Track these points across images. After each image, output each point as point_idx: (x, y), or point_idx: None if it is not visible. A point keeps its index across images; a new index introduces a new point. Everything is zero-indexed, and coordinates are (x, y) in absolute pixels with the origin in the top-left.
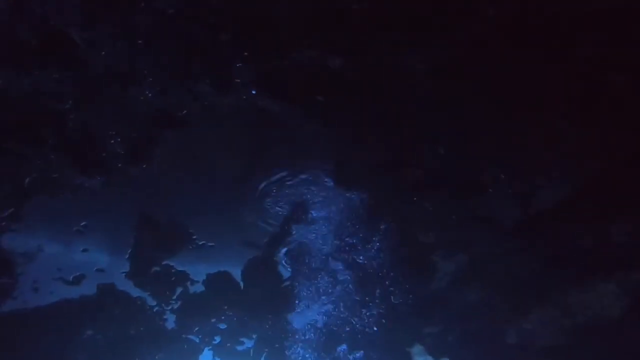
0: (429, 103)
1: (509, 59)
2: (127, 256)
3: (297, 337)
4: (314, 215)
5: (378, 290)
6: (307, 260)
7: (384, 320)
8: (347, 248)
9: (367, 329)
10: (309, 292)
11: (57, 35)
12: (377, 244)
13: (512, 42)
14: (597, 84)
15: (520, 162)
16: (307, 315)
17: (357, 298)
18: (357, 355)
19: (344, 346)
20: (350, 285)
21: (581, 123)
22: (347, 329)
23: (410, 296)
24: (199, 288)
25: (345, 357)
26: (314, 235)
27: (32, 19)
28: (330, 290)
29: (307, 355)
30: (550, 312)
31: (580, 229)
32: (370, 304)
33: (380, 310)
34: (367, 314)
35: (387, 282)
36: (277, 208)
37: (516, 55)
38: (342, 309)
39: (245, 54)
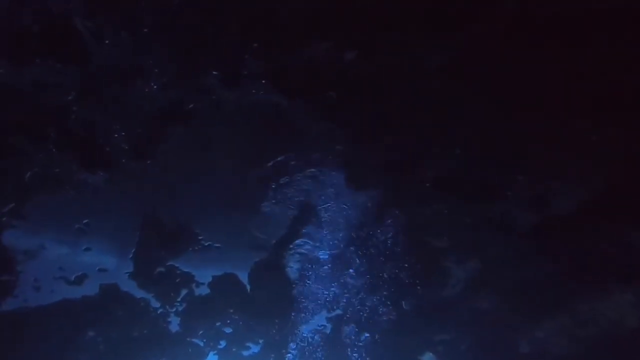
0: (442, 101)
1: (525, 58)
2: (130, 256)
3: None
4: (323, 217)
5: (388, 296)
6: (315, 264)
7: (394, 327)
8: (356, 251)
9: (377, 336)
10: (317, 296)
11: (59, 24)
12: (388, 247)
13: (530, 40)
14: (616, 84)
15: (537, 164)
16: (315, 321)
17: (368, 304)
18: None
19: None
20: (360, 291)
21: (600, 124)
22: (357, 336)
23: (422, 302)
24: (205, 290)
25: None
26: (322, 237)
27: (33, 6)
28: (339, 295)
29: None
30: (563, 321)
31: (598, 235)
32: (381, 309)
33: (391, 317)
34: (377, 319)
35: (398, 288)
36: (285, 209)
37: (532, 55)
38: (351, 315)
39: (255, 45)
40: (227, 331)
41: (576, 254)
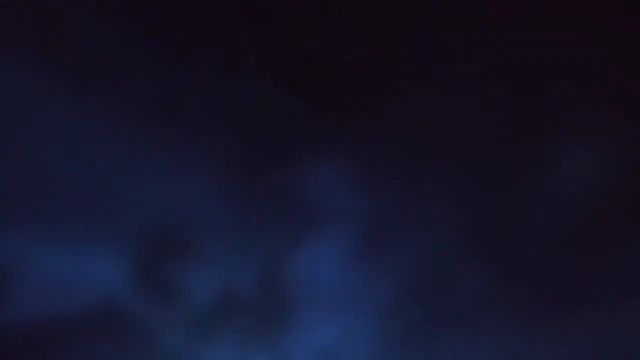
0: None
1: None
2: (127, 263)
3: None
4: (326, 219)
5: (394, 303)
6: (319, 270)
7: (400, 336)
8: (361, 256)
9: (381, 346)
10: (321, 303)
11: (44, 15)
12: (394, 251)
13: (537, 37)
14: (627, 81)
15: (551, 160)
16: (318, 332)
17: (373, 314)
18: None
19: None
20: (365, 297)
21: (614, 116)
22: (360, 348)
23: (429, 311)
24: (204, 300)
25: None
26: (326, 241)
27: None
28: (344, 304)
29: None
30: (579, 332)
31: (618, 241)
32: (386, 318)
33: (397, 326)
34: (382, 330)
35: (404, 294)
36: (286, 211)
37: (538, 54)
38: (355, 325)
39: (253, 41)
40: (229, 342)
41: (594, 261)
